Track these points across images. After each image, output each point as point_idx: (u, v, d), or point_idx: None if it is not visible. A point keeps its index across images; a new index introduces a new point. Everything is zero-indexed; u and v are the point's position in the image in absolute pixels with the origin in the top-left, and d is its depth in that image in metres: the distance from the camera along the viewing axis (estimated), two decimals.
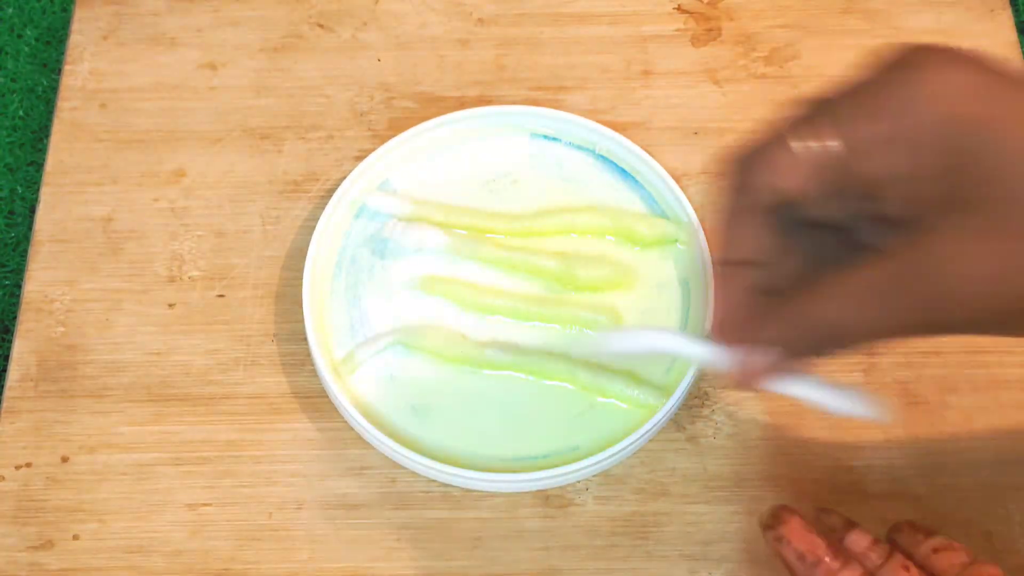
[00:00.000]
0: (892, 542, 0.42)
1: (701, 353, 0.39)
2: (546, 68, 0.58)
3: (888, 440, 0.49)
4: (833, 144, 0.33)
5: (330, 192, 0.54)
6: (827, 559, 0.39)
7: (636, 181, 0.54)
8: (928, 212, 0.33)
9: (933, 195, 0.32)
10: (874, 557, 0.40)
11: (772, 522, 0.40)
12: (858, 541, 0.40)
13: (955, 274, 0.32)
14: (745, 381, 0.36)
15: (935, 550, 0.40)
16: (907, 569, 0.39)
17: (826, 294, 0.33)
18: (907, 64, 0.33)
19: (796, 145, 0.33)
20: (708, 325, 0.35)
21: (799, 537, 0.40)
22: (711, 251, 0.35)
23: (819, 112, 0.34)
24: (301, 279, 0.51)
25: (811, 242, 0.36)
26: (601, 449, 0.47)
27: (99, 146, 0.57)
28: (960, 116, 0.31)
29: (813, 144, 0.33)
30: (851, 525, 0.41)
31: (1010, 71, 0.33)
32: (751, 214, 0.35)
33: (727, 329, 0.36)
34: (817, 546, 0.39)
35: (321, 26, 0.60)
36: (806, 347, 0.35)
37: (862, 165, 0.33)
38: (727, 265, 0.36)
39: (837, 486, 0.48)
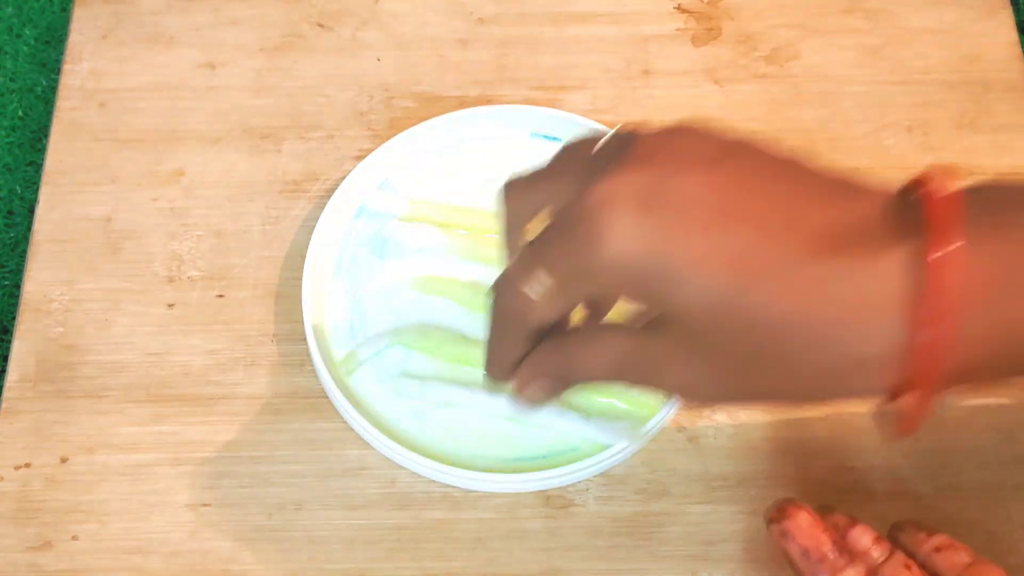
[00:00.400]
0: (894, 541, 0.41)
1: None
2: (546, 68, 0.58)
3: (889, 440, 0.49)
4: (551, 288, 0.37)
5: (330, 192, 0.54)
6: (831, 556, 0.39)
7: None
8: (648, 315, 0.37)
9: (645, 311, 0.37)
10: (876, 555, 0.40)
11: (778, 516, 0.40)
12: (860, 538, 0.40)
13: (666, 372, 0.37)
14: (522, 401, 0.41)
15: (937, 549, 0.40)
16: (908, 568, 0.39)
17: (584, 344, 0.39)
18: (584, 212, 0.35)
19: (527, 291, 0.37)
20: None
21: (804, 533, 0.40)
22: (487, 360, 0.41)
23: (535, 259, 0.37)
24: (301, 279, 0.51)
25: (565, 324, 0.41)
26: (602, 449, 0.47)
27: (98, 146, 0.57)
28: (631, 259, 0.34)
29: (539, 289, 0.37)
30: (853, 522, 0.41)
31: (677, 192, 0.35)
32: (517, 335, 0.39)
33: (497, 365, 0.40)
34: (822, 543, 0.39)
35: (321, 26, 0.60)
36: (568, 381, 0.40)
37: (580, 294, 0.37)
38: (497, 356, 0.40)
39: (839, 486, 0.48)
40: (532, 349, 0.39)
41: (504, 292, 0.38)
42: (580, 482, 0.48)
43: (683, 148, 0.36)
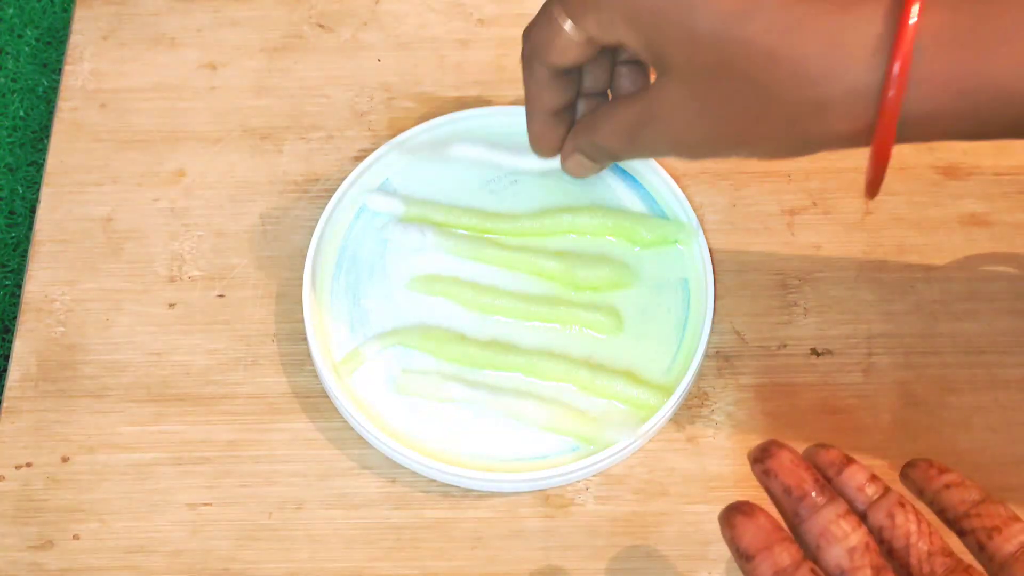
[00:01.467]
0: (904, 477, 0.41)
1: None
2: None
3: (888, 440, 0.49)
4: (575, 28, 0.43)
5: (330, 192, 0.54)
6: (813, 493, 0.38)
7: (636, 181, 0.54)
8: (655, 67, 0.42)
9: (650, 57, 0.42)
10: (869, 492, 0.38)
11: (761, 456, 0.39)
12: (854, 476, 0.39)
13: (672, 124, 0.42)
14: (571, 172, 0.50)
15: (947, 486, 0.39)
16: (902, 505, 0.38)
17: (597, 126, 0.46)
18: None
19: (556, 27, 0.43)
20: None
21: (787, 471, 0.38)
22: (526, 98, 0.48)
23: (563, 0, 0.43)
24: (301, 279, 0.51)
25: (595, 80, 0.48)
26: (601, 449, 0.47)
27: (99, 146, 0.57)
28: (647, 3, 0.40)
29: (567, 27, 0.43)
30: (849, 461, 0.40)
31: None
32: (541, 78, 0.46)
33: (539, 143, 0.49)
34: (804, 480, 0.38)
35: (321, 26, 0.60)
36: (597, 157, 0.48)
37: (601, 39, 0.43)
38: (537, 113, 0.48)
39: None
40: (562, 110, 0.47)
41: (534, 29, 0.44)
42: (579, 482, 0.49)
43: None
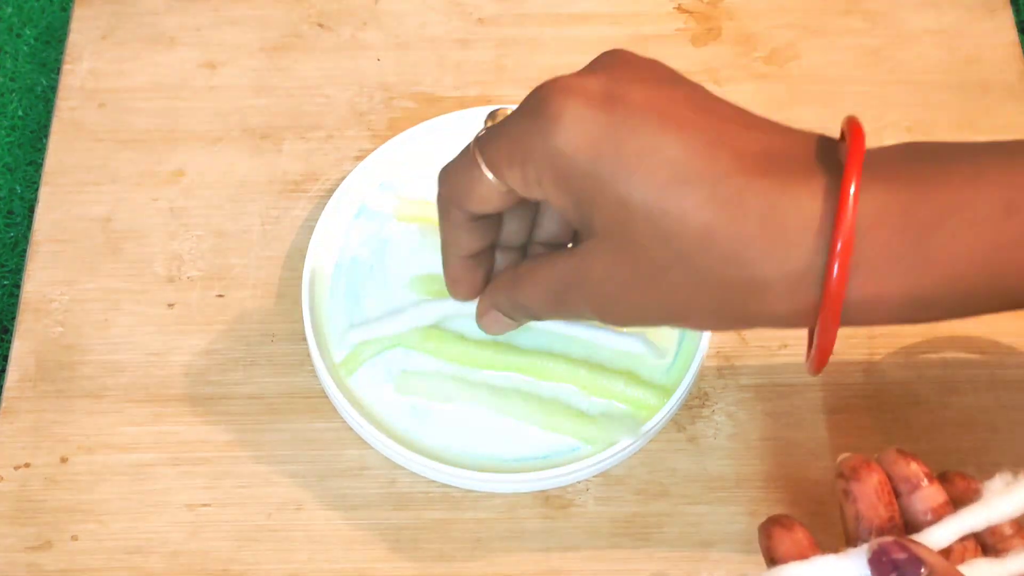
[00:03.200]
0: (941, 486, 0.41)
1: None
2: (546, 68, 0.58)
3: (888, 440, 0.49)
4: (497, 179, 0.39)
5: (330, 192, 0.54)
6: (882, 530, 0.38)
7: None
8: (583, 231, 0.39)
9: (577, 219, 0.38)
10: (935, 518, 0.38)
11: (849, 473, 0.38)
12: (925, 499, 0.38)
13: (599, 292, 0.39)
14: (487, 329, 0.45)
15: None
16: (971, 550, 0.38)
17: (521, 283, 0.42)
18: (543, 99, 0.37)
19: (477, 174, 0.39)
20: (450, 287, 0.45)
21: (865, 500, 0.38)
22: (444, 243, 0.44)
23: (483, 145, 0.39)
24: (301, 279, 0.51)
25: (517, 229, 0.44)
26: (601, 449, 0.47)
27: (98, 146, 0.57)
28: (578, 151, 0.36)
29: (488, 175, 0.39)
30: (929, 477, 0.39)
31: (634, 96, 0.37)
32: (458, 221, 0.42)
33: (455, 287, 0.45)
34: (877, 515, 0.38)
35: (321, 26, 0.60)
36: (516, 316, 0.44)
37: (525, 194, 0.39)
38: (455, 258, 0.44)
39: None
40: (479, 253, 0.43)
41: (452, 174, 0.40)
42: (579, 482, 0.48)
43: (646, 67, 0.39)
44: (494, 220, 0.43)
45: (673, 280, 0.37)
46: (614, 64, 0.38)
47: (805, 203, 0.35)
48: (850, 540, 0.39)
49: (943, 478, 0.40)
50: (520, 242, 0.44)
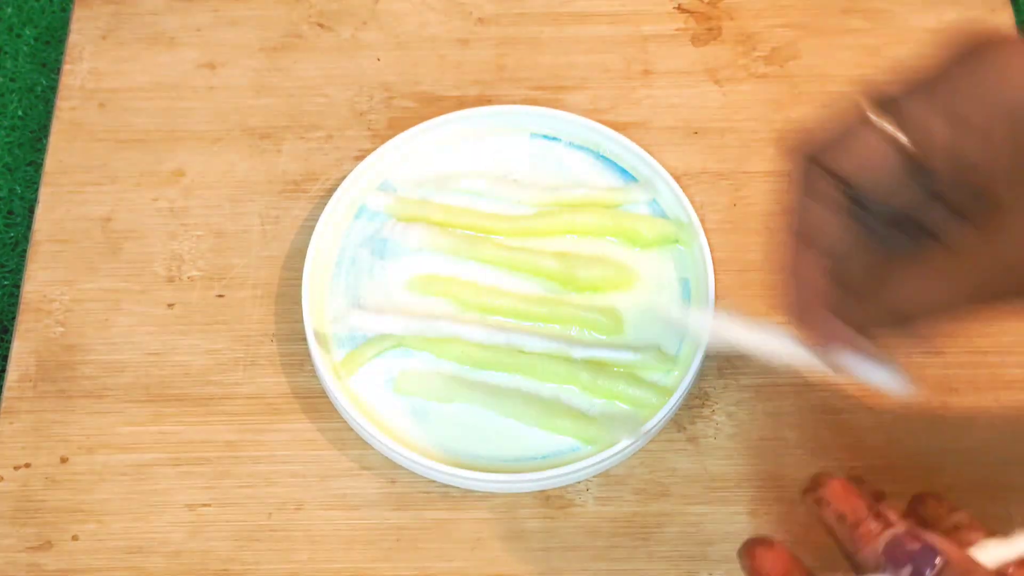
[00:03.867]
0: (913, 512, 0.41)
1: (796, 351, 0.40)
2: (546, 68, 0.58)
3: (889, 440, 0.49)
4: (905, 137, 0.34)
5: (330, 192, 0.54)
6: (868, 520, 0.38)
7: (636, 181, 0.54)
8: (999, 194, 0.33)
9: (1004, 177, 0.33)
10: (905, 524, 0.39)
11: (812, 486, 0.39)
12: (886, 513, 0.40)
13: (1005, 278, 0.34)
14: (829, 361, 0.38)
15: (956, 527, 0.39)
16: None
17: (899, 281, 0.35)
18: (974, 53, 0.33)
19: (870, 136, 0.34)
20: (783, 306, 0.37)
21: (839, 498, 0.39)
22: (782, 230, 0.36)
23: (891, 103, 0.34)
24: (301, 279, 0.51)
25: (880, 235, 0.37)
26: (602, 449, 0.47)
27: (98, 146, 0.57)
28: None
29: (887, 136, 0.34)
30: (881, 497, 0.40)
31: None
32: (826, 204, 0.35)
33: (804, 314, 0.37)
34: (858, 507, 0.38)
35: (321, 26, 0.60)
36: (881, 330, 0.36)
37: (935, 157, 0.34)
38: (801, 250, 0.36)
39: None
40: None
41: (839, 134, 0.34)
42: (579, 482, 0.48)
43: None
44: (853, 220, 0.36)
45: None
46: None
47: None
48: (843, 545, 0.39)
49: (917, 500, 0.41)
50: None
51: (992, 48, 0.33)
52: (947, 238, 0.36)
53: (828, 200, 0.35)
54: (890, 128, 0.34)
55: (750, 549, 0.38)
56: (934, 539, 0.36)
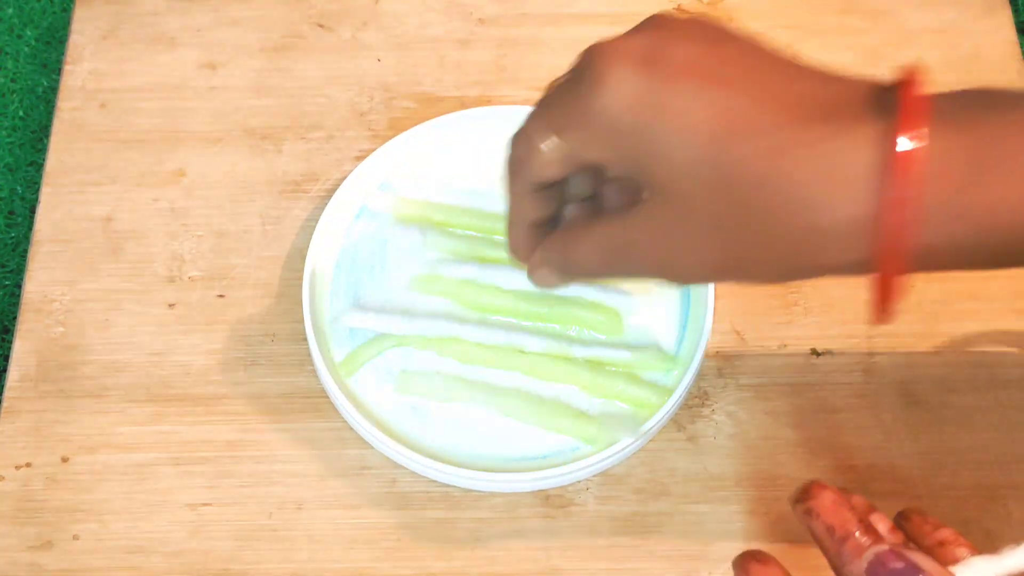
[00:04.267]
0: (899, 527, 0.41)
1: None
2: (546, 68, 0.58)
3: (889, 440, 0.49)
4: (554, 141, 0.39)
5: (330, 192, 0.54)
6: (857, 534, 0.39)
7: None
8: (638, 188, 0.39)
9: (632, 178, 0.38)
10: (891, 541, 0.40)
11: (802, 496, 0.40)
12: (876, 525, 0.40)
13: (655, 252, 0.39)
14: (537, 283, 0.44)
15: (941, 543, 0.40)
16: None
17: (575, 243, 0.42)
18: (590, 61, 0.38)
19: (534, 143, 0.40)
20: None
21: (829, 511, 0.39)
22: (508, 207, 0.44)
23: (542, 111, 0.40)
24: (301, 279, 0.51)
25: (577, 194, 0.44)
26: (602, 449, 0.47)
27: (99, 146, 0.57)
28: (625, 108, 0.36)
29: (542, 141, 0.39)
30: (871, 509, 0.41)
31: (696, 44, 0.37)
32: (525, 190, 0.42)
33: (517, 253, 0.44)
34: (847, 521, 0.39)
35: (321, 26, 0.60)
36: (567, 274, 0.43)
37: (581, 156, 0.39)
38: (516, 223, 0.44)
39: (839, 486, 0.48)
40: (543, 222, 0.43)
41: (516, 143, 0.41)
42: (579, 482, 0.48)
43: (692, 26, 0.38)
44: (556, 189, 0.43)
45: (730, 232, 0.37)
46: (658, 26, 0.38)
47: (860, 147, 0.35)
48: (830, 556, 0.39)
49: (901, 517, 0.41)
50: (584, 195, 0.44)
51: (593, 59, 0.37)
52: (619, 206, 0.43)
53: (526, 195, 0.42)
54: (544, 139, 0.39)
55: (744, 564, 0.39)
56: (917, 557, 0.36)
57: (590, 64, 0.37)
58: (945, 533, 0.40)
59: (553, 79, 0.41)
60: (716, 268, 0.39)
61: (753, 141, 0.35)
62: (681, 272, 0.40)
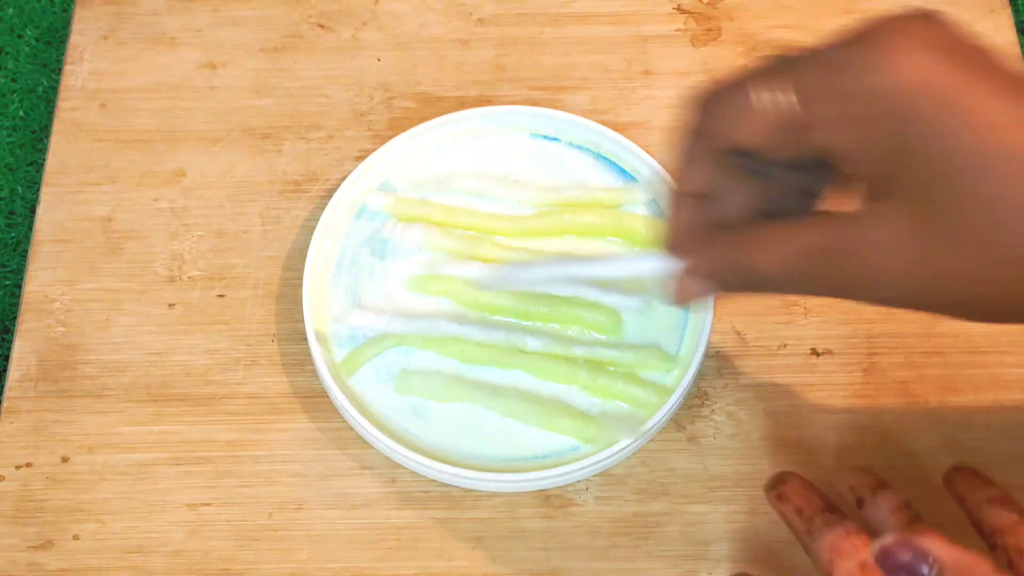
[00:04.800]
0: (949, 482, 0.41)
1: (645, 267, 0.39)
2: (546, 68, 0.58)
3: (888, 440, 0.49)
4: (789, 106, 0.33)
5: (330, 192, 0.54)
6: (824, 512, 0.39)
7: (636, 181, 0.54)
8: (872, 189, 0.34)
9: (878, 174, 0.33)
10: (903, 516, 0.39)
11: (774, 483, 0.41)
12: (886, 500, 0.40)
13: (876, 263, 0.33)
14: (678, 299, 0.38)
15: (990, 501, 0.39)
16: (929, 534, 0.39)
17: (759, 244, 0.35)
18: (874, 34, 0.33)
19: (756, 99, 0.34)
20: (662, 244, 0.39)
21: (798, 494, 0.40)
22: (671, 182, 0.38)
23: (783, 69, 0.34)
24: (301, 279, 0.51)
25: (762, 186, 0.37)
26: (601, 449, 0.47)
27: (99, 146, 0.57)
28: (915, 94, 0.32)
29: (772, 101, 0.34)
30: (883, 485, 0.40)
31: (983, 53, 0.33)
32: (706, 155, 0.36)
33: (674, 248, 0.38)
34: (814, 501, 0.39)
35: (321, 26, 0.60)
36: (732, 285, 0.37)
37: (815, 131, 0.34)
38: (681, 195, 0.37)
39: None
40: (707, 211, 0.36)
41: (722, 94, 0.35)
42: (579, 482, 0.49)
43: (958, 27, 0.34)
44: (734, 167, 0.36)
45: (978, 251, 0.32)
46: (937, 18, 0.33)
47: None
48: (801, 536, 0.39)
49: (956, 470, 0.41)
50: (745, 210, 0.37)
51: (892, 30, 0.33)
52: (820, 207, 0.36)
53: (704, 157, 0.36)
54: (775, 99, 0.34)
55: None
56: (927, 543, 0.36)
57: (874, 37, 0.32)
58: (994, 492, 0.40)
59: (784, 46, 0.35)
60: (944, 297, 0.34)
61: None
62: (894, 296, 0.35)
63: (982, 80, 0.32)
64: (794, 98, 0.33)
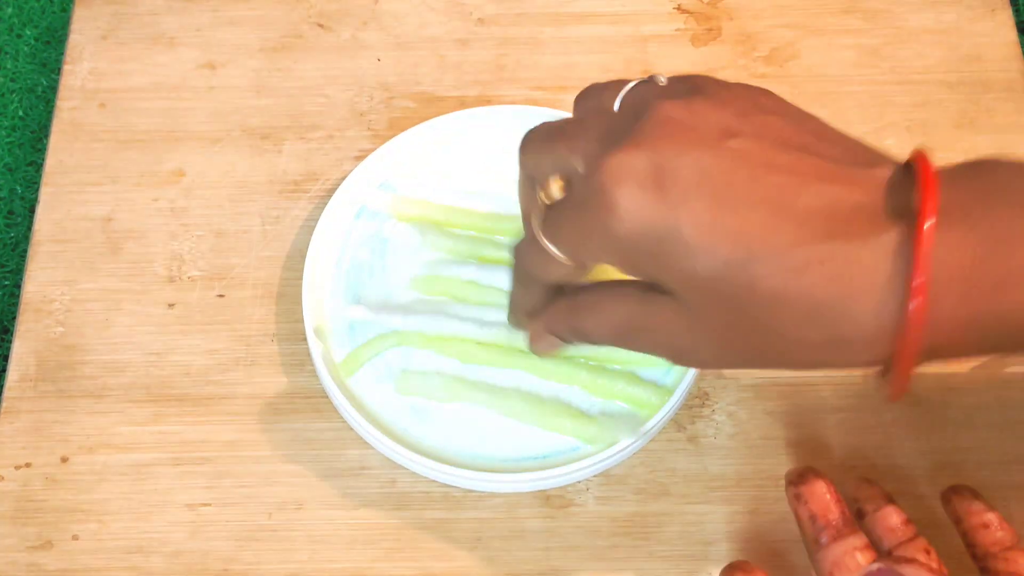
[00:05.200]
0: (946, 501, 0.43)
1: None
2: (546, 68, 0.58)
3: (889, 440, 0.49)
4: (563, 252, 0.40)
5: (330, 192, 0.54)
6: (837, 524, 0.40)
7: None
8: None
9: (650, 279, 0.39)
10: (900, 535, 0.41)
11: (796, 480, 0.42)
12: (889, 516, 0.41)
13: (668, 342, 0.40)
14: (533, 349, 0.48)
15: (985, 525, 0.41)
16: (928, 552, 0.40)
17: (586, 312, 0.42)
18: (602, 184, 0.37)
19: (546, 253, 0.41)
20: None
21: (817, 499, 0.41)
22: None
23: (550, 234, 0.40)
24: (301, 279, 0.51)
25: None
26: (602, 449, 0.47)
27: (99, 146, 0.57)
28: (640, 235, 0.37)
29: (558, 257, 0.40)
30: (889, 500, 0.42)
31: (683, 173, 0.37)
32: (532, 288, 0.44)
33: (516, 325, 0.48)
34: (830, 511, 0.40)
35: (321, 26, 0.60)
36: (571, 341, 0.45)
37: (587, 263, 0.40)
38: (518, 302, 0.46)
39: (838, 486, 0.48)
40: (548, 300, 0.44)
41: (523, 252, 0.42)
42: (580, 482, 0.48)
43: (697, 121, 0.38)
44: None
45: (746, 339, 0.37)
46: (661, 127, 0.38)
47: (876, 262, 0.35)
48: (808, 542, 0.40)
49: (953, 491, 0.42)
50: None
51: (602, 185, 0.37)
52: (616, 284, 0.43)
53: (535, 293, 0.44)
54: (558, 254, 0.40)
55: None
56: (911, 571, 0.37)
57: (597, 190, 0.37)
58: (990, 518, 0.41)
59: (548, 183, 0.40)
60: (734, 364, 0.40)
61: (770, 262, 0.35)
62: (696, 362, 0.42)
63: (692, 200, 0.36)
64: (561, 255, 0.40)
